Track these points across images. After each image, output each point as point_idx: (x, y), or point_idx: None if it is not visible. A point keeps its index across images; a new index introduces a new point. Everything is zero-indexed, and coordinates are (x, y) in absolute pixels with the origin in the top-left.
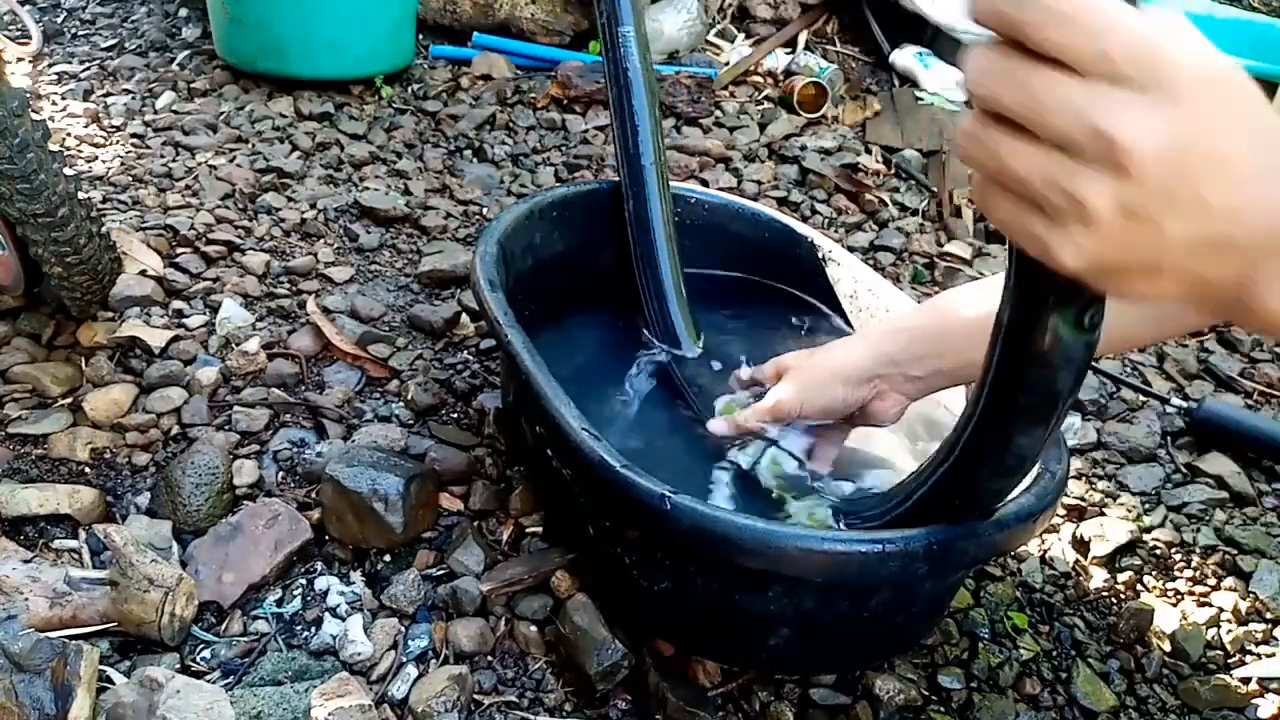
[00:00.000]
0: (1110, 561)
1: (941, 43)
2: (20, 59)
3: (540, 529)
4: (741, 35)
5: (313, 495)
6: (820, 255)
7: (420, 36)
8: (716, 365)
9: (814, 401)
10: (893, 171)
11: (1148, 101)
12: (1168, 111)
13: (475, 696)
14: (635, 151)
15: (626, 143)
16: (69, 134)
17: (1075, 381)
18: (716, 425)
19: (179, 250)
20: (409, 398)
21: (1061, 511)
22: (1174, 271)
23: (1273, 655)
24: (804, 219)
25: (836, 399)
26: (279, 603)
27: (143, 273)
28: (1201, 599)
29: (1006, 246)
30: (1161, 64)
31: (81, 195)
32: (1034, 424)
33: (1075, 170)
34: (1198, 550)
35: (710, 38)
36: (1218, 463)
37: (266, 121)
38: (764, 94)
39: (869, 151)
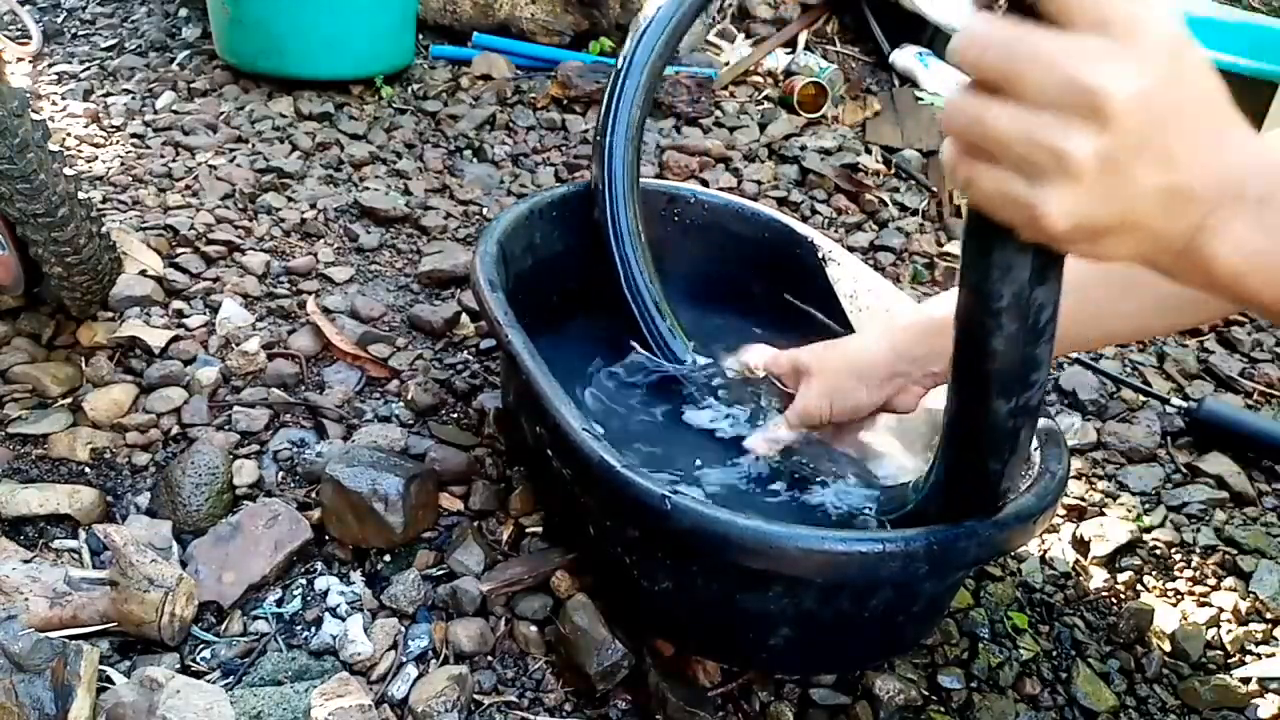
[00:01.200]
0: (1110, 561)
1: (941, 43)
2: (20, 59)
3: (540, 529)
4: (741, 35)
5: (313, 495)
6: (820, 255)
7: (420, 36)
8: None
9: (842, 405)
10: (893, 171)
11: (1120, 54)
12: (1138, 65)
13: (475, 696)
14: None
15: (601, 153)
16: (69, 134)
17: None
18: (756, 445)
19: (179, 250)
20: (409, 398)
21: (1061, 511)
22: (1142, 227)
23: (1273, 655)
24: (804, 219)
25: (862, 400)
26: (279, 603)
27: (143, 273)
28: (1201, 599)
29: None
30: (1141, 18)
31: (81, 195)
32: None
33: (1056, 124)
34: (1198, 550)
35: (710, 38)
36: (1218, 463)
37: (266, 121)
38: (764, 94)
39: (869, 151)
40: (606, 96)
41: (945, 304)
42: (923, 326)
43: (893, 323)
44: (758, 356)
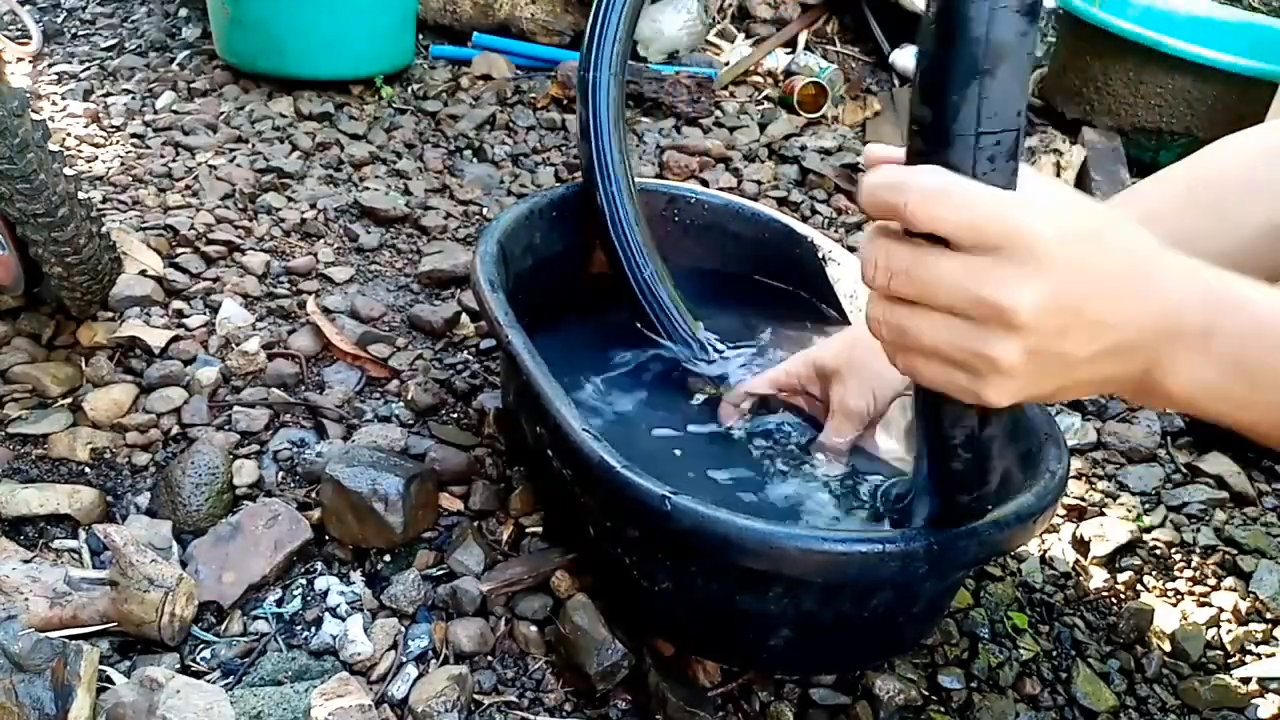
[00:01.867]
0: (1110, 561)
1: None
2: (20, 59)
3: (540, 529)
4: (741, 35)
5: (313, 495)
6: (820, 255)
7: (420, 36)
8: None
9: (883, 392)
10: None
11: (1016, 266)
12: (1035, 270)
13: (475, 696)
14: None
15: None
16: (69, 134)
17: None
18: (830, 465)
19: (179, 250)
20: (409, 398)
21: (1061, 511)
22: (1088, 380)
23: (1273, 655)
24: (804, 219)
25: (897, 379)
26: (279, 603)
27: (143, 273)
28: (1201, 599)
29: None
30: (1022, 231)
31: (81, 195)
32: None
33: (977, 333)
34: (1198, 550)
35: (710, 38)
36: (1218, 463)
37: (266, 121)
38: (764, 94)
39: None
40: (581, 64)
41: None
42: None
43: None
44: (762, 385)
